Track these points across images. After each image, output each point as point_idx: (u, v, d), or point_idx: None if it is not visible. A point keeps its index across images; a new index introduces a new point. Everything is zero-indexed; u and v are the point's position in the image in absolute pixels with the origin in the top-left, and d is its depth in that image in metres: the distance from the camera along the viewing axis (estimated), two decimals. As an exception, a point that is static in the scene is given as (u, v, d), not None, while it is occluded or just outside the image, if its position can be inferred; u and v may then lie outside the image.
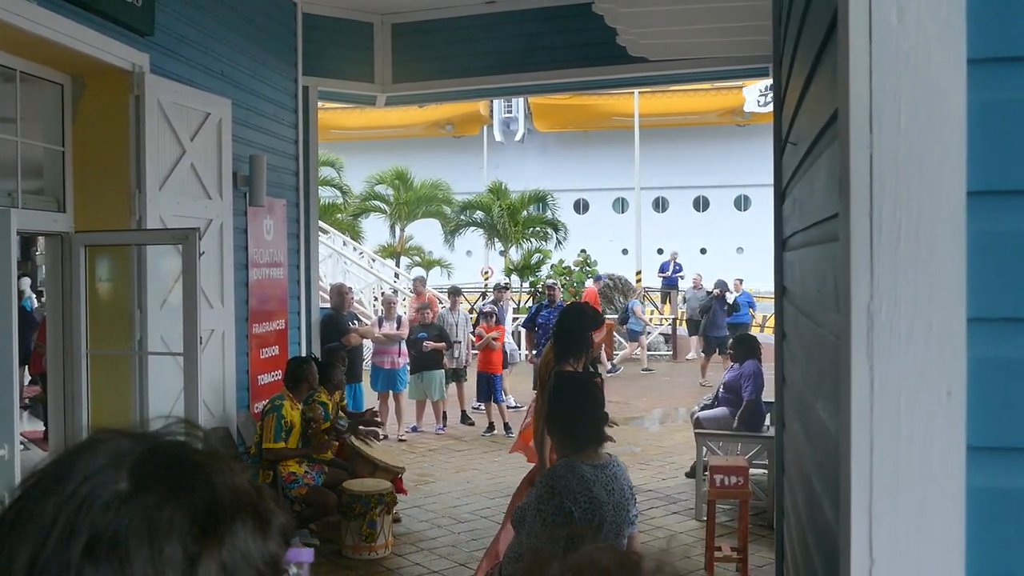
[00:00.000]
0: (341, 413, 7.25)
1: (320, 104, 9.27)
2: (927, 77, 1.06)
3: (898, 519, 1.08)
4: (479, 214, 23.56)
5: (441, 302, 18.87)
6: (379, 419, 8.13)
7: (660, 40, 6.27)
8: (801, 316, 2.24)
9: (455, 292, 12.44)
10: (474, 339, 11.79)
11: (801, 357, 2.30)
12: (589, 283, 19.03)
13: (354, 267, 18.97)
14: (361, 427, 7.39)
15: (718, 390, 8.61)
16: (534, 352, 11.30)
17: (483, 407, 11.53)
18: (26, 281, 12.02)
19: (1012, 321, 1.07)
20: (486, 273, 25.79)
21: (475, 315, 13.60)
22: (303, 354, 8.15)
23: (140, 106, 5.85)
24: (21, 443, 9.27)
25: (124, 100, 5.84)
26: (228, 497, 0.69)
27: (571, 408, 3.23)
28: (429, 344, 10.84)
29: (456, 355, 11.51)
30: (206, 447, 0.73)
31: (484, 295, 22.06)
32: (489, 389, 11.32)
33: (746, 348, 8.15)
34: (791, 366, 2.79)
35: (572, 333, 5.33)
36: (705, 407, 8.64)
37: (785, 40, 2.77)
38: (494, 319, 12.16)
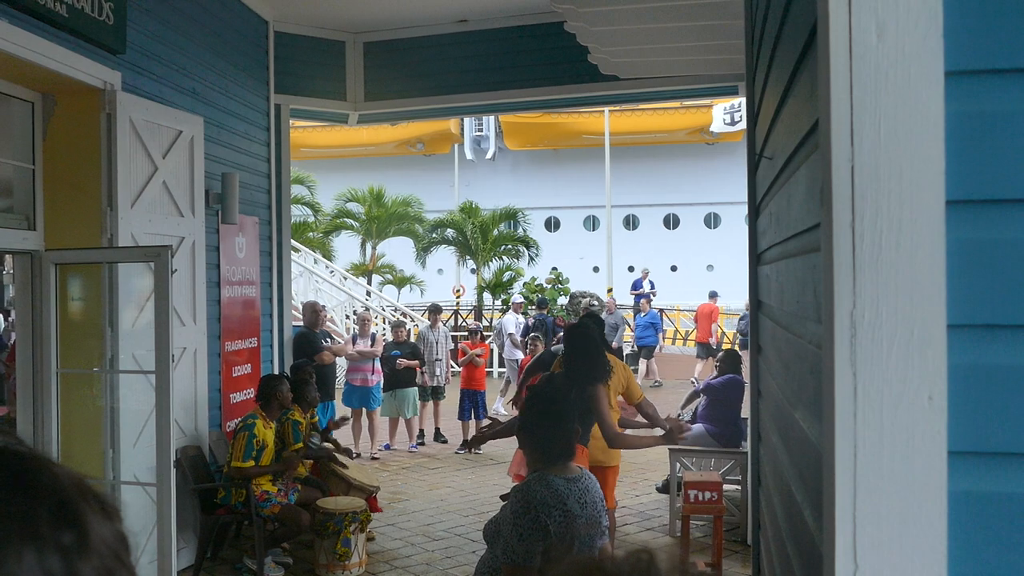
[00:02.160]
0: (314, 432, 7.20)
1: (292, 122, 9.26)
2: (906, 91, 1.09)
3: (881, 524, 1.10)
4: (450, 232, 23.56)
5: (413, 320, 18.87)
6: (347, 420, 8.13)
7: (632, 59, 6.34)
8: (779, 329, 2.27)
9: (435, 310, 12.43)
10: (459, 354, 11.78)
11: (779, 369, 2.32)
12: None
13: (325, 285, 18.90)
14: (332, 450, 7.37)
15: (697, 406, 8.65)
16: None
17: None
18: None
19: (991, 327, 1.10)
20: (458, 291, 25.79)
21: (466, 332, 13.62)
22: (276, 372, 8.10)
23: (111, 124, 5.81)
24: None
25: (95, 118, 5.80)
26: (71, 485, 0.70)
27: (543, 421, 3.24)
28: (403, 362, 10.82)
29: (437, 372, 11.49)
30: (28, 448, 0.74)
31: (457, 313, 22.06)
32: (472, 406, 11.32)
33: (731, 362, 8.26)
34: (768, 379, 2.82)
35: (590, 355, 5.04)
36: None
37: (759, 58, 2.82)
38: (478, 336, 12.17)
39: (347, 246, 25.55)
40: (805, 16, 1.49)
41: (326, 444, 7.52)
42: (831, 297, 1.12)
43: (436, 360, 11.53)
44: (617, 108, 27.57)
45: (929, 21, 1.08)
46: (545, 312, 17.06)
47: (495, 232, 23.21)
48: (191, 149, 6.67)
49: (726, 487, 6.85)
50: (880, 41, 1.10)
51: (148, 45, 6.30)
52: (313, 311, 9.66)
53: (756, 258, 3.18)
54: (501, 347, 14.79)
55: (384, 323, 17.72)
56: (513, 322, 14.92)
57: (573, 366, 5.11)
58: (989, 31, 1.08)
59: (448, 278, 29.67)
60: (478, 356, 11.58)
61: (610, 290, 21.31)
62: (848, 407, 1.11)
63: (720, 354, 8.74)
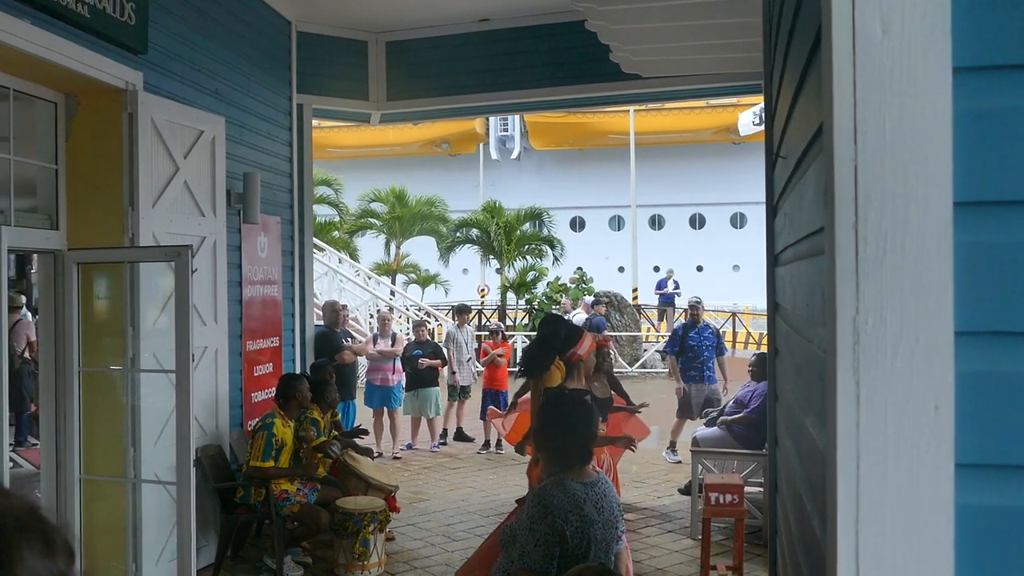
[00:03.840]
0: (335, 432, 7.21)
1: (317, 123, 9.29)
2: (912, 87, 1.05)
3: (885, 538, 1.06)
4: (475, 232, 23.55)
5: (437, 320, 18.88)
6: (366, 432, 8.12)
7: (653, 57, 6.29)
8: (792, 332, 2.22)
9: (463, 310, 12.41)
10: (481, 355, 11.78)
11: (792, 374, 2.28)
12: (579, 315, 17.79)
13: (350, 285, 18.95)
14: (354, 441, 7.40)
15: (725, 405, 8.56)
16: (682, 381, 10.29)
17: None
18: (22, 299, 11.98)
19: (1001, 335, 1.05)
20: (482, 291, 25.80)
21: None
22: (297, 371, 8.12)
23: (133, 124, 5.84)
24: (12, 461, 9.22)
25: (117, 118, 5.83)
26: (10, 522, 0.69)
27: (560, 425, 3.21)
28: (424, 361, 10.82)
29: (463, 372, 11.49)
30: None
31: (481, 312, 22.06)
32: (495, 406, 11.29)
33: (765, 367, 8.11)
34: (783, 383, 2.77)
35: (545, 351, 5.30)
36: (710, 420, 8.55)
37: (775, 55, 2.77)
38: (500, 335, 12.15)
39: (372, 246, 25.63)
40: (814, 11, 1.45)
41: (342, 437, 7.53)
42: (833, 302, 1.08)
43: (468, 360, 11.55)
44: (642, 107, 27.45)
45: (936, 15, 1.04)
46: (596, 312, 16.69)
47: (519, 232, 23.17)
48: (213, 149, 6.69)
49: (749, 489, 6.77)
50: (885, 36, 1.05)
51: (171, 46, 6.33)
52: (333, 310, 9.68)
53: (773, 259, 3.13)
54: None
55: (408, 323, 17.73)
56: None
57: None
58: (1000, 25, 1.03)
59: (473, 277, 29.70)
60: (500, 356, 11.55)
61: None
62: (851, 416, 1.07)
63: (752, 358, 8.60)
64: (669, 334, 20.64)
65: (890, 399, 1.06)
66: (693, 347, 10.41)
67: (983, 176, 1.05)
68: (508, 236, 22.69)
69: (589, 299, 18.98)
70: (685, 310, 11.22)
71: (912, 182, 1.05)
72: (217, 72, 7.03)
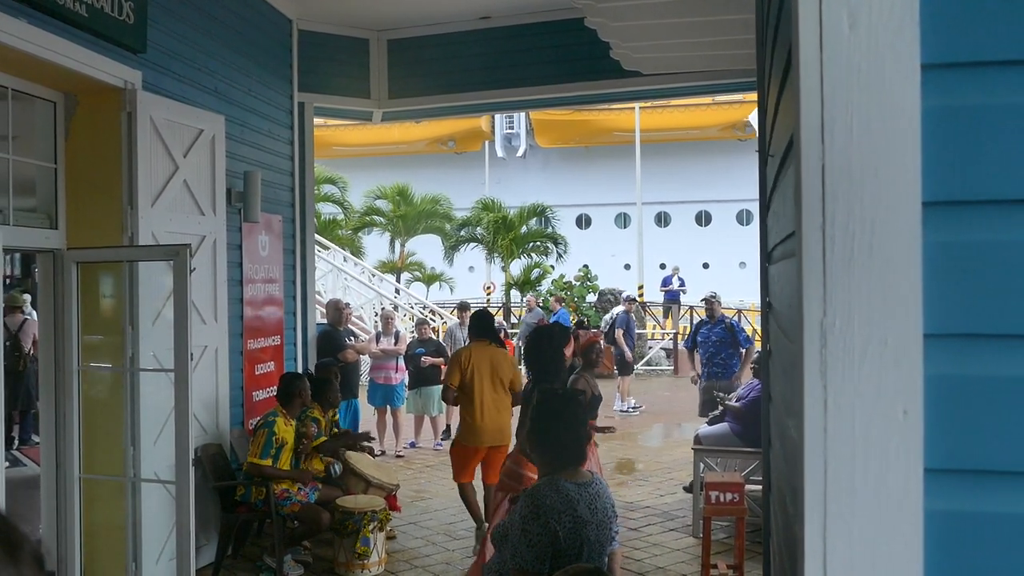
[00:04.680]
0: (335, 431, 7.19)
1: (322, 121, 9.29)
2: (880, 85, 1.03)
3: (854, 544, 1.04)
4: (480, 230, 23.53)
5: (442, 317, 18.87)
6: (372, 439, 8.09)
7: (653, 54, 6.26)
8: (779, 332, 2.20)
9: (463, 307, 12.39)
10: None
11: (780, 374, 2.25)
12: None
13: (354, 283, 18.96)
14: (360, 443, 7.40)
15: (722, 400, 8.53)
16: (700, 374, 10.41)
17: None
18: (27, 298, 12.00)
19: (970, 337, 1.03)
20: (488, 288, 25.78)
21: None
22: (299, 370, 8.11)
23: (132, 123, 5.83)
24: (16, 459, 9.24)
25: (116, 117, 5.82)
26: None
27: (553, 425, 3.19)
28: (427, 359, 10.80)
29: None
30: None
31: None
32: None
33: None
34: (775, 383, 2.75)
35: (541, 357, 5.29)
36: (713, 419, 8.51)
37: (765, 51, 2.74)
38: (502, 333, 12.10)
39: (377, 244, 25.63)
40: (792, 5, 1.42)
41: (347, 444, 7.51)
42: (800, 304, 1.06)
43: None
44: (647, 105, 27.35)
45: (904, 10, 1.02)
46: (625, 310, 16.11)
47: (523, 229, 23.13)
48: (212, 148, 6.69)
49: (752, 488, 6.74)
50: (852, 32, 1.03)
51: (170, 44, 6.32)
52: (336, 309, 9.68)
53: (766, 257, 3.11)
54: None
55: (412, 321, 17.72)
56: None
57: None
58: (969, 21, 1.01)
59: (479, 275, 29.67)
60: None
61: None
62: (818, 421, 1.05)
63: (757, 355, 8.57)
64: (673, 332, 20.64)
65: (858, 403, 1.04)
66: (701, 342, 10.39)
67: (952, 175, 1.03)
68: (505, 233, 22.63)
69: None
70: (707, 303, 11.12)
71: (880, 182, 1.03)
72: (217, 71, 7.02)
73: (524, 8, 8.43)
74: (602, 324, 15.51)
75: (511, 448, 7.59)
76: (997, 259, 1.01)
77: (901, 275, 1.03)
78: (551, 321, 14.13)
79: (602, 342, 7.70)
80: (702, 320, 10.71)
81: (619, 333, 13.83)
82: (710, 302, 10.66)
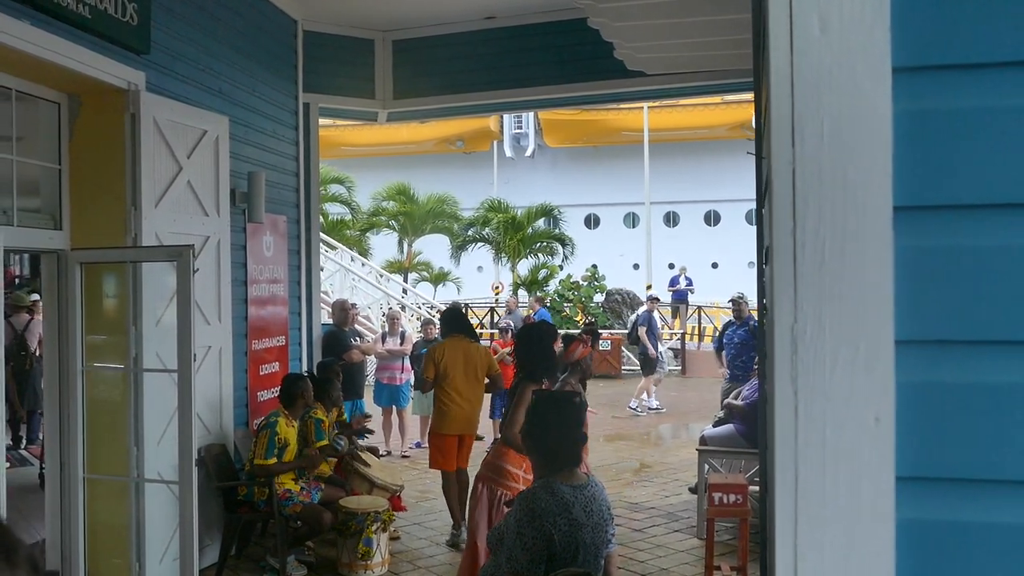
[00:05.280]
0: (337, 431, 7.20)
1: (331, 121, 9.33)
2: (851, 88, 1.02)
3: (825, 553, 1.03)
4: (488, 230, 23.52)
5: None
6: (368, 426, 8.11)
7: (655, 54, 6.24)
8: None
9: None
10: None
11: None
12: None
13: (362, 283, 18.98)
14: (356, 441, 7.39)
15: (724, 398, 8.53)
16: (726, 373, 10.34)
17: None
18: (35, 297, 12.04)
19: (943, 343, 1.01)
20: (497, 288, 25.76)
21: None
22: (304, 371, 8.12)
23: (136, 124, 5.84)
24: (17, 459, 9.28)
25: (120, 118, 5.83)
26: None
27: (550, 427, 3.18)
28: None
29: None
30: None
31: (493, 310, 22.04)
32: (503, 405, 11.22)
33: None
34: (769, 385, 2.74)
35: (531, 354, 5.27)
36: (719, 421, 8.49)
37: (757, 53, 2.73)
38: (509, 333, 12.09)
39: (384, 244, 25.65)
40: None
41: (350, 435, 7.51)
42: (772, 310, 1.04)
43: None
44: (656, 104, 27.32)
45: (875, 13, 1.00)
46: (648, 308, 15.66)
47: (530, 229, 23.11)
48: (216, 148, 6.69)
49: (755, 489, 6.71)
50: (823, 35, 1.02)
51: (174, 45, 6.33)
52: (342, 309, 9.68)
53: (763, 258, 3.09)
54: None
55: (419, 320, 17.73)
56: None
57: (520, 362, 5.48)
58: (940, 24, 1.00)
59: (488, 275, 29.66)
60: (508, 355, 11.50)
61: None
62: (789, 427, 1.03)
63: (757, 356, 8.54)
64: (681, 332, 20.58)
65: (829, 410, 1.03)
66: (727, 344, 10.35)
67: (923, 180, 1.01)
68: (514, 233, 22.62)
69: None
70: (735, 303, 10.98)
71: (851, 186, 1.02)
72: (221, 72, 7.03)
73: (529, 8, 8.42)
74: (628, 324, 15.46)
75: (488, 441, 8.45)
76: (968, 265, 1.00)
77: (872, 281, 1.01)
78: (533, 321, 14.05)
79: (590, 347, 7.67)
80: (729, 320, 10.66)
81: (642, 331, 13.77)
82: (737, 302, 10.62)
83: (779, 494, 1.04)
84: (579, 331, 12.06)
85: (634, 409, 13.79)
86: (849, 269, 1.02)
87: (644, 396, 14.04)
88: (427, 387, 7.47)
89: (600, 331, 19.20)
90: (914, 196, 1.02)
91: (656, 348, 13.96)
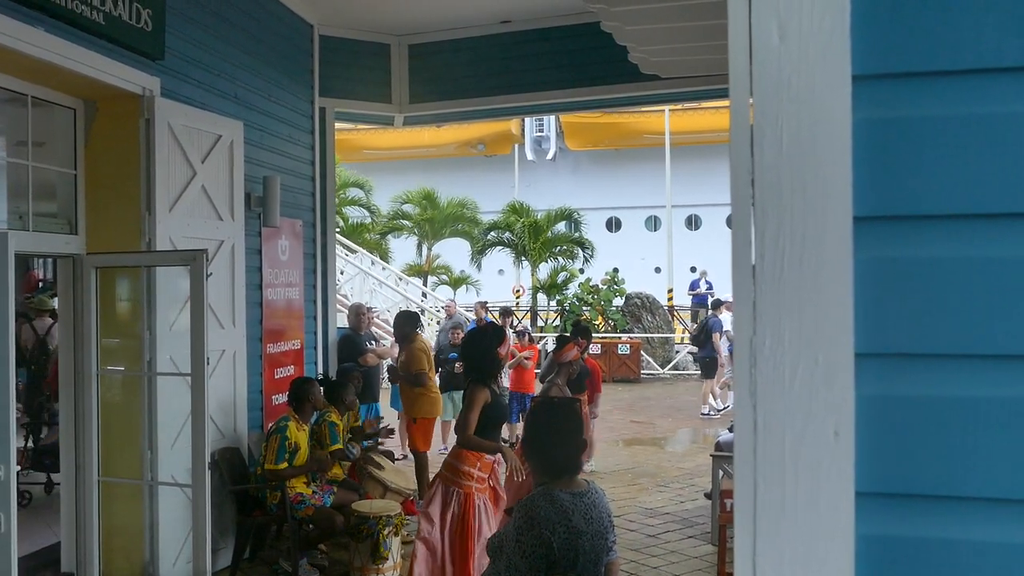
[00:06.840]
0: (350, 436, 7.22)
1: (352, 125, 9.39)
2: (810, 96, 1.00)
3: (784, 569, 1.01)
4: (508, 234, 23.51)
5: (468, 321, 18.86)
6: (389, 429, 8.13)
7: (669, 58, 6.21)
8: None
9: (506, 312, 12.42)
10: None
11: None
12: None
13: (381, 286, 19.03)
14: (371, 448, 7.39)
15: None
16: None
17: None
18: (52, 303, 12.15)
19: (903, 357, 0.99)
20: (518, 291, 25.75)
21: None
22: (319, 374, 8.15)
23: (150, 129, 5.89)
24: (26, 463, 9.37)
25: (135, 124, 5.89)
26: None
27: (549, 435, 3.16)
28: (461, 366, 10.74)
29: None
30: None
31: (513, 314, 22.03)
32: (521, 409, 11.21)
33: None
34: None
35: (476, 357, 5.34)
36: (732, 426, 8.45)
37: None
38: (527, 337, 12.09)
39: (404, 248, 25.70)
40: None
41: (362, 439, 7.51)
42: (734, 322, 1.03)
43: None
44: (677, 107, 27.21)
45: (835, 20, 0.99)
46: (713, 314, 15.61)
47: (549, 233, 23.08)
48: (231, 153, 6.73)
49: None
50: (782, 42, 1.00)
51: (189, 51, 6.38)
52: (358, 314, 9.70)
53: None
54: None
55: (438, 324, 17.73)
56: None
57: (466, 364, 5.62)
58: (900, 31, 0.98)
59: (508, 279, 29.65)
60: (527, 359, 11.50)
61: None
62: (748, 442, 1.02)
63: None
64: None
65: (788, 424, 1.01)
66: None
67: (883, 190, 0.99)
68: (536, 236, 22.60)
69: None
70: None
71: (810, 196, 1.00)
72: (237, 77, 7.07)
73: (544, 12, 8.41)
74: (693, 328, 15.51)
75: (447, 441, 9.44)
76: (929, 276, 0.98)
77: (832, 292, 0.99)
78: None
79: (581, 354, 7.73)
80: None
81: (716, 336, 13.81)
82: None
83: (738, 509, 1.02)
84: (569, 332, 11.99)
85: (707, 415, 13.81)
86: (808, 280, 1.00)
87: (711, 399, 14.07)
88: (426, 380, 8.64)
89: (620, 334, 19.16)
90: (874, 206, 1.00)
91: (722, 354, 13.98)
